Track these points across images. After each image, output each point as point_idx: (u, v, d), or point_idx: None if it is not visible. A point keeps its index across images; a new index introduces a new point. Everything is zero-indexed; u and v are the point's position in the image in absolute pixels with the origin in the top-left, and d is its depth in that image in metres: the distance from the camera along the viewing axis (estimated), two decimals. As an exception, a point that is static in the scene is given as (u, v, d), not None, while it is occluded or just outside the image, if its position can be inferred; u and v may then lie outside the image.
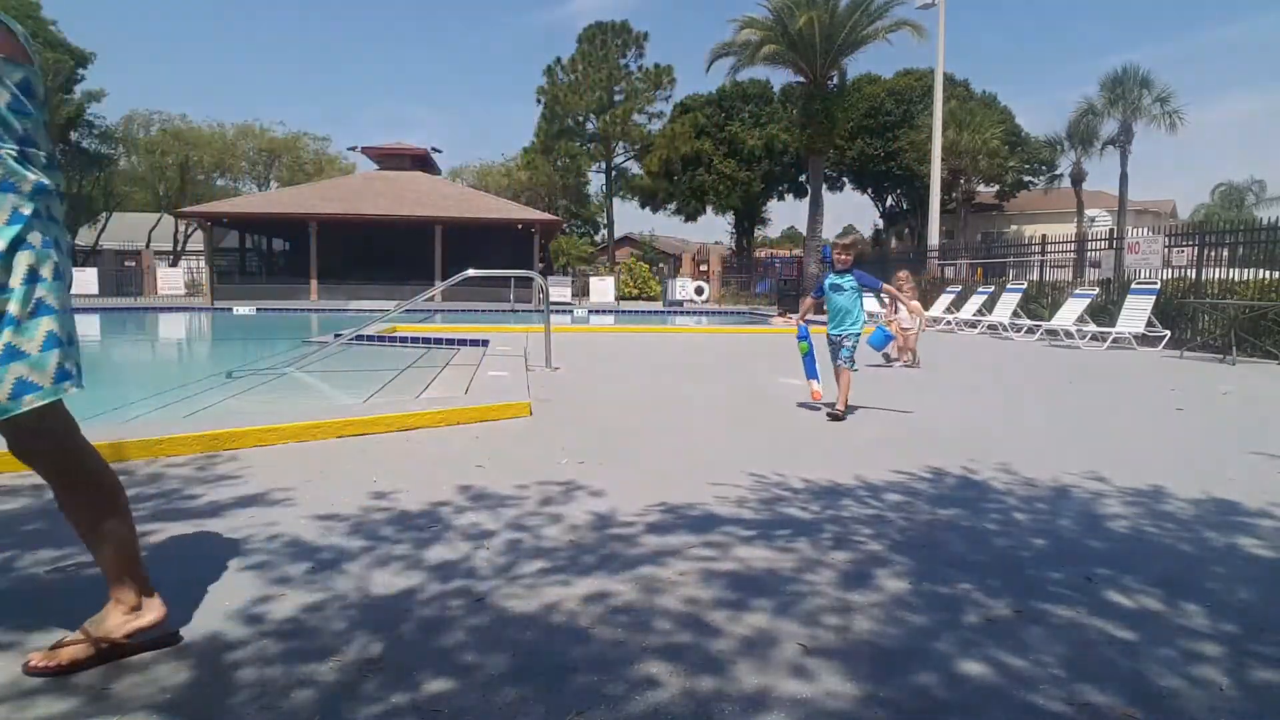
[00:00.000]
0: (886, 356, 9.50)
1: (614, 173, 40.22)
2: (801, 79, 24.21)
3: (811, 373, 6.08)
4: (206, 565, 2.67)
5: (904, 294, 9.15)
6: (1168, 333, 11.65)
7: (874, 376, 8.15)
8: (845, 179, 38.95)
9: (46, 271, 1.83)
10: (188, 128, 38.13)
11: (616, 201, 41.01)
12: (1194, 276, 12.35)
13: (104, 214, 36.92)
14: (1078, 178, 34.57)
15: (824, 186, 27.86)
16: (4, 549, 2.78)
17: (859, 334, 5.88)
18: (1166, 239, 13.14)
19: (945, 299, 17.08)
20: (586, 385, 7.22)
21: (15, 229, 1.78)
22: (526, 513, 3.30)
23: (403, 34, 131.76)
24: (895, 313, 9.38)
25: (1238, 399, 6.90)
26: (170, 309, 21.78)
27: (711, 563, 2.75)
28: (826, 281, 5.98)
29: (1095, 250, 15.41)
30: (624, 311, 24.32)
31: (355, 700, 1.83)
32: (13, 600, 2.36)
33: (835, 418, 5.52)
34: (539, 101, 38.95)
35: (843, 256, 5.94)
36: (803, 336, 5.98)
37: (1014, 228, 37.66)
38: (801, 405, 6.22)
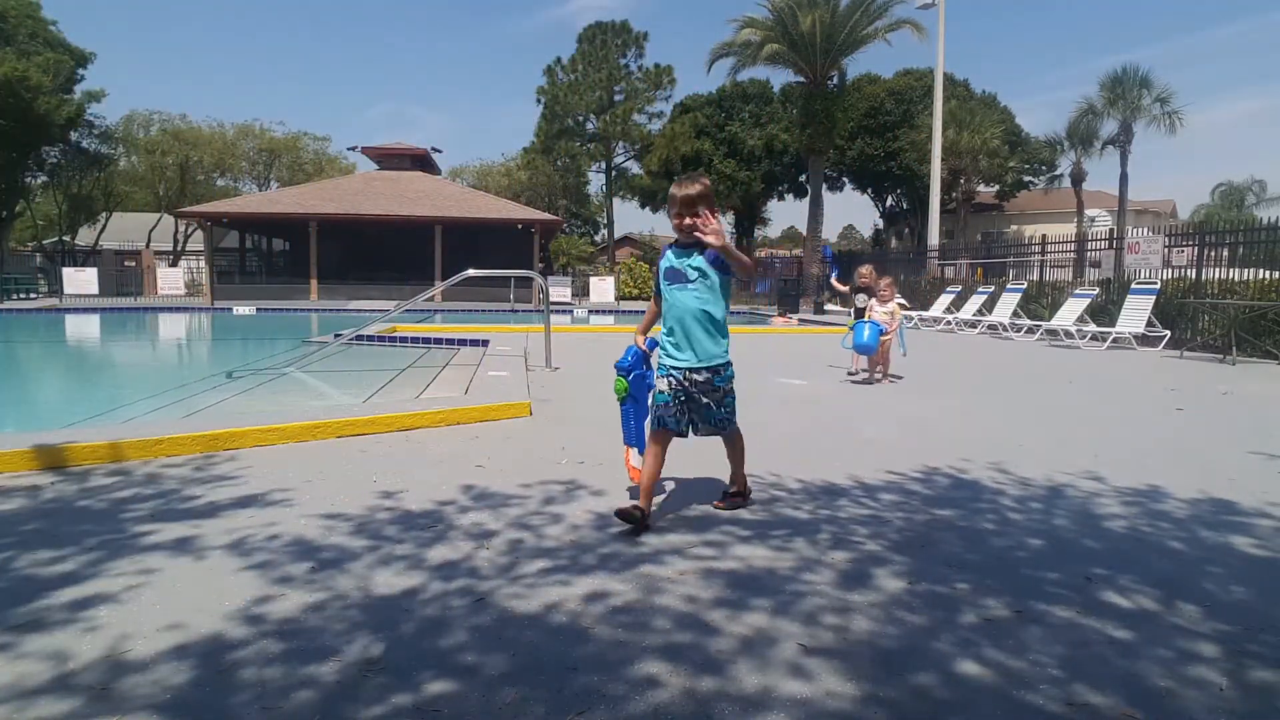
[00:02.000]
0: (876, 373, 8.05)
1: (614, 173, 40.22)
2: (801, 79, 24.21)
3: (630, 435, 3.58)
4: (208, 565, 2.67)
5: (880, 295, 8.00)
6: (1168, 333, 11.65)
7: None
8: (845, 179, 38.93)
9: None
10: (188, 128, 38.08)
11: (616, 201, 41.03)
12: (1194, 276, 12.35)
13: (104, 214, 36.91)
14: (1078, 178, 34.56)
15: (824, 186, 27.87)
16: (2, 549, 2.78)
17: (727, 361, 3.28)
18: (1166, 239, 13.15)
19: (945, 299, 17.08)
20: (586, 385, 7.22)
21: None
22: (527, 512, 3.30)
23: (403, 34, 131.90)
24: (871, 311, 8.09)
25: (1238, 399, 6.90)
26: (170, 309, 21.78)
27: (711, 562, 2.76)
28: (661, 265, 3.36)
29: (1095, 250, 15.41)
30: (624, 311, 24.31)
31: (356, 701, 1.83)
32: (12, 600, 2.37)
33: (629, 517, 3.04)
34: (539, 101, 38.97)
35: (685, 217, 3.14)
36: (622, 367, 3.51)
37: (1014, 228, 37.63)
38: (789, 404, 6.22)
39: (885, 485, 3.83)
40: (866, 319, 7.80)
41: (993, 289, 16.12)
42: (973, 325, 15.42)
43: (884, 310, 7.94)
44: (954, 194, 32.96)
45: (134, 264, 29.26)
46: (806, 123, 24.00)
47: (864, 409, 6.17)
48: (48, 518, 3.15)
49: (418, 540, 2.94)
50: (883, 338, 7.65)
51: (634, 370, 3.54)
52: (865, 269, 8.84)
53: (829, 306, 23.59)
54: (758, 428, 5.35)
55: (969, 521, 3.28)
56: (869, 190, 39.53)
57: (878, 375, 7.87)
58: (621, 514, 3.07)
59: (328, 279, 26.37)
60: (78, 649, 2.06)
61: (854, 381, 7.83)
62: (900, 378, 7.92)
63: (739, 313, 23.90)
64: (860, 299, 8.42)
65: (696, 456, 4.54)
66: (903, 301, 8.63)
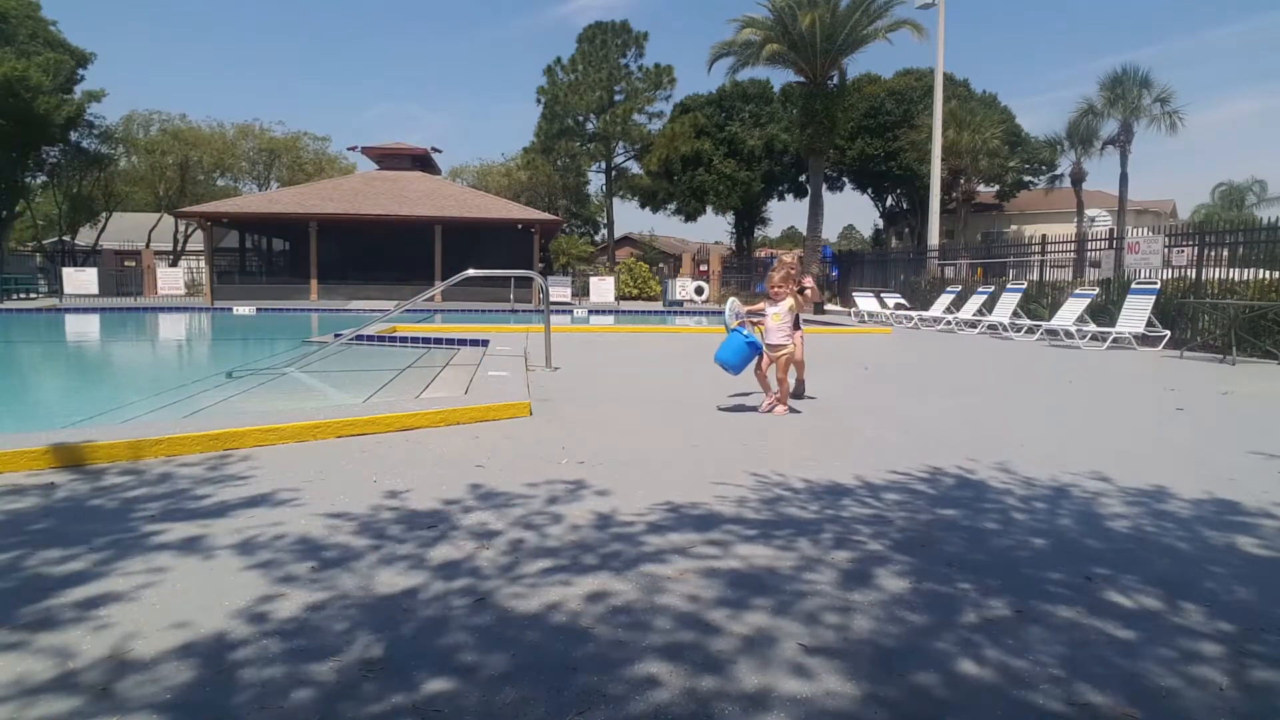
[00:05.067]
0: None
1: (614, 173, 40.19)
2: (801, 79, 24.20)
3: None
4: (214, 564, 2.67)
5: (774, 291, 5.95)
6: (1168, 333, 11.65)
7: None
8: (845, 179, 38.90)
9: None
10: (188, 128, 38.03)
11: (616, 201, 40.99)
12: (1194, 276, 12.35)
13: (104, 214, 36.87)
14: (1078, 178, 34.54)
15: (824, 186, 27.86)
16: (10, 548, 2.78)
17: None
18: (1166, 239, 13.14)
19: (945, 299, 17.08)
20: (587, 385, 7.22)
21: None
22: (528, 512, 3.30)
23: (403, 34, 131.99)
24: (763, 314, 6.01)
25: (1238, 399, 6.90)
26: (170, 309, 21.77)
27: (713, 561, 2.76)
28: None
29: (1095, 250, 15.41)
30: (624, 311, 24.31)
31: (356, 700, 1.83)
32: (21, 598, 2.37)
33: None
34: (539, 101, 38.94)
35: None
36: None
37: (1014, 228, 37.66)
38: (790, 403, 6.22)
39: (888, 485, 3.83)
40: (758, 323, 5.94)
41: (993, 289, 16.12)
42: (973, 325, 15.42)
43: (777, 310, 5.87)
44: (954, 194, 32.95)
45: (134, 264, 29.20)
46: (806, 123, 23.99)
47: (866, 409, 6.17)
48: (57, 515, 3.15)
49: (419, 540, 2.94)
50: (772, 354, 5.76)
51: None
52: (789, 257, 6.62)
53: (829, 306, 23.59)
54: (761, 427, 5.36)
55: (971, 521, 3.28)
56: (869, 190, 39.50)
57: (775, 405, 5.77)
58: None
59: (328, 279, 26.35)
60: (82, 647, 2.06)
61: (760, 409, 5.89)
62: (798, 412, 5.85)
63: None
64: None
65: (702, 468, 4.53)
66: (800, 305, 6.20)
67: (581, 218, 45.10)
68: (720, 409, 6.04)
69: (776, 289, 5.97)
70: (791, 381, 6.19)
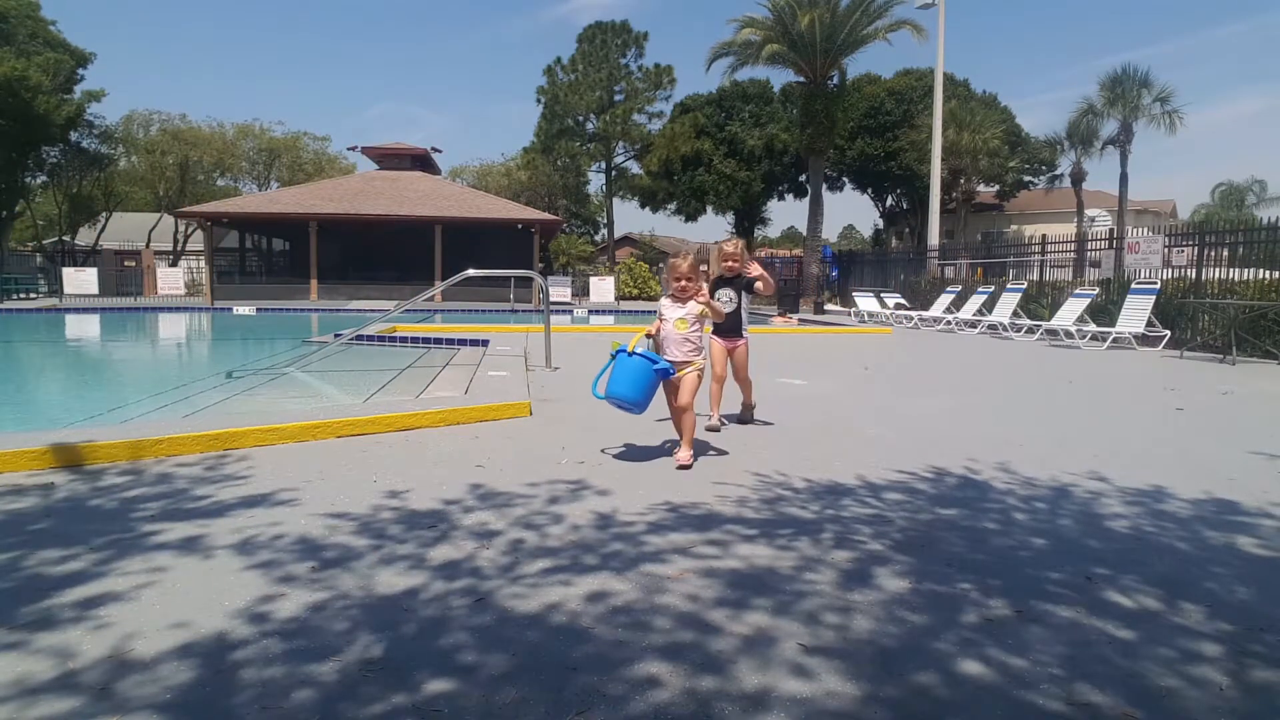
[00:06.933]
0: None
1: (614, 173, 40.20)
2: (801, 79, 24.19)
3: None
4: (213, 564, 2.67)
5: (681, 285, 4.43)
6: (1168, 333, 11.65)
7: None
8: (845, 179, 38.93)
9: None
10: (188, 128, 38.05)
11: (616, 201, 41.00)
12: (1194, 276, 12.35)
13: (104, 214, 36.89)
14: (1078, 178, 34.56)
15: (824, 186, 27.83)
16: (10, 548, 2.78)
17: None
18: (1166, 239, 13.14)
19: (945, 299, 17.08)
20: (587, 385, 7.20)
21: None
22: (528, 512, 3.30)
23: (403, 34, 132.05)
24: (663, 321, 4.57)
25: (1238, 399, 6.90)
26: (170, 309, 21.77)
27: (713, 561, 2.76)
28: None
29: (1095, 250, 15.41)
30: (624, 311, 24.30)
31: (356, 700, 1.83)
32: (21, 598, 2.36)
33: None
34: (539, 101, 38.98)
35: None
36: None
37: (1014, 228, 37.65)
38: (791, 404, 6.22)
39: (888, 485, 3.83)
40: (654, 335, 4.59)
41: (993, 289, 16.12)
42: (973, 325, 15.42)
43: (682, 316, 4.44)
44: (954, 194, 32.96)
45: (134, 264, 29.24)
46: (806, 123, 23.98)
47: (865, 409, 6.17)
48: (57, 516, 3.15)
49: (419, 540, 2.94)
50: (679, 375, 4.34)
51: None
52: (729, 245, 5.27)
53: (829, 306, 23.60)
54: (762, 428, 5.36)
55: (971, 521, 3.28)
56: (869, 190, 39.52)
57: (680, 449, 4.25)
58: None
59: (328, 279, 26.35)
60: (82, 647, 2.06)
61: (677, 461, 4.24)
62: (726, 451, 4.57)
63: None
64: (724, 299, 5.14)
65: (702, 468, 4.53)
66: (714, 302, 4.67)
67: (581, 218, 45.12)
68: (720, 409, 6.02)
69: (685, 283, 4.42)
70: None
